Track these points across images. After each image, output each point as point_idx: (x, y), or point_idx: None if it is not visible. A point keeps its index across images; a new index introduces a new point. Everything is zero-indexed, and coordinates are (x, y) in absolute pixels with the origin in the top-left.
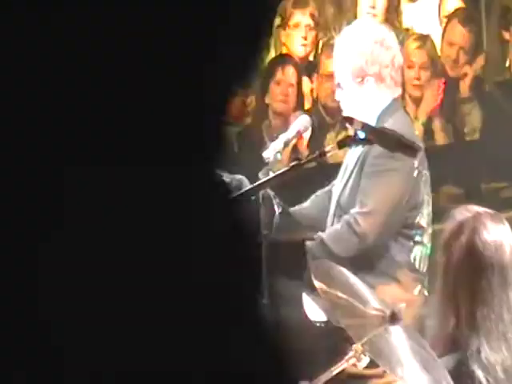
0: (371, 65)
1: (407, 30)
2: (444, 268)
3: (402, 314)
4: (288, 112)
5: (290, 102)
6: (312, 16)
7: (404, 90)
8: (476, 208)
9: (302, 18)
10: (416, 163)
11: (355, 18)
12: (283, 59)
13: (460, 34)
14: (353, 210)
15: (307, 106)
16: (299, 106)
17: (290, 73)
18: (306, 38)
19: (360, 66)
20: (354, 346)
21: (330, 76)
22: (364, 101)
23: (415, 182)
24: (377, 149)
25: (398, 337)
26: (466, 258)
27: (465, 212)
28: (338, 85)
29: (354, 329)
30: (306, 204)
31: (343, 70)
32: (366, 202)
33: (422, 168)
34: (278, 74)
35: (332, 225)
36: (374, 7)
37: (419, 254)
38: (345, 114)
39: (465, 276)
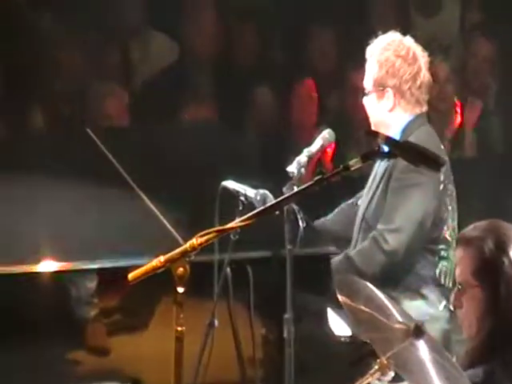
0: (391, 77)
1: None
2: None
3: (426, 327)
4: (310, 125)
5: (312, 115)
6: None
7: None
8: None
9: None
10: (442, 177)
11: None
12: (303, 72)
13: (484, 45)
14: (380, 227)
15: (331, 119)
16: (322, 119)
17: (310, 86)
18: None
19: (381, 76)
20: (379, 359)
21: (355, 89)
22: (382, 111)
23: (441, 196)
24: (403, 163)
25: (422, 350)
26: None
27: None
28: (366, 91)
29: (378, 343)
30: (330, 217)
31: (368, 78)
32: (393, 217)
33: (448, 182)
34: (298, 87)
35: (357, 238)
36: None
37: (444, 268)
38: (371, 120)
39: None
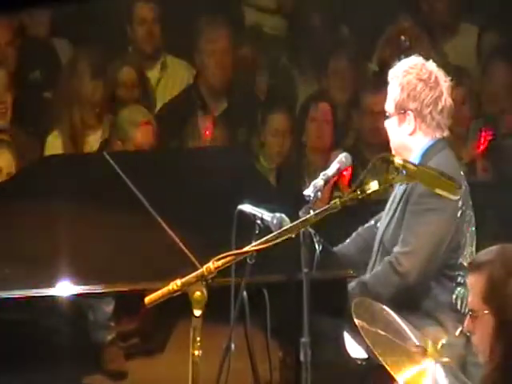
0: (412, 100)
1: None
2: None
3: (442, 351)
4: (325, 149)
5: (327, 138)
6: None
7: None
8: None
9: None
10: (460, 203)
11: None
12: (318, 96)
13: (501, 69)
14: (395, 249)
15: (349, 142)
16: (337, 142)
17: (325, 109)
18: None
19: (402, 99)
20: (396, 382)
21: (372, 112)
22: (402, 134)
23: (459, 222)
24: (421, 187)
25: (438, 374)
26: None
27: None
28: (387, 114)
29: (394, 365)
30: (347, 243)
31: (390, 101)
32: (409, 240)
33: (466, 208)
34: (313, 111)
35: (375, 261)
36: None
37: (461, 295)
38: (391, 144)
39: None
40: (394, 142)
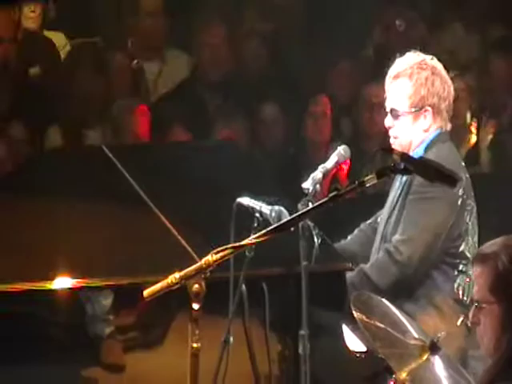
0: (431, 96)
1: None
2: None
3: (442, 343)
4: (324, 142)
5: (325, 132)
6: None
7: None
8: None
9: None
10: (461, 192)
11: None
12: (314, 90)
13: (502, 64)
14: (394, 238)
15: (346, 135)
16: (335, 135)
17: (323, 103)
18: None
19: (420, 96)
20: (395, 375)
21: (371, 105)
22: (416, 131)
23: (459, 210)
24: (420, 178)
25: (438, 366)
26: None
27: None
28: (392, 112)
29: (393, 359)
30: (349, 238)
31: (402, 100)
32: (408, 229)
33: (468, 197)
34: (312, 106)
35: (376, 254)
36: None
37: (463, 283)
38: (400, 141)
39: None
40: (403, 140)
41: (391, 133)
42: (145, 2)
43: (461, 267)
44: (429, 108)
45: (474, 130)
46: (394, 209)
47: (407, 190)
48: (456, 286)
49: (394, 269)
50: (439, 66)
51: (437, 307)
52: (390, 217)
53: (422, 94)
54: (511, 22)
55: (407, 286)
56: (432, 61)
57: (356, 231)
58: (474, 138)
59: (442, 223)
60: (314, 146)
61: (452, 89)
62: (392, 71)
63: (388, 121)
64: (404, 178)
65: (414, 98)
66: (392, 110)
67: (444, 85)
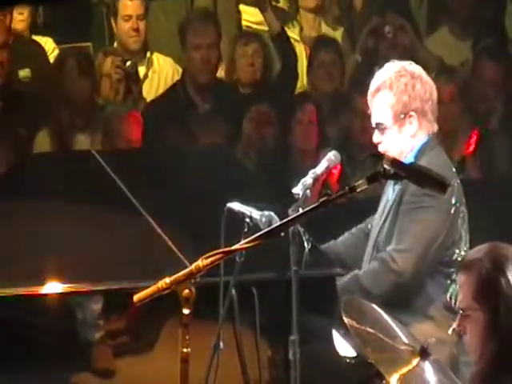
0: (413, 100)
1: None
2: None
3: (433, 350)
4: (311, 149)
5: (312, 138)
6: None
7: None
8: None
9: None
10: (454, 200)
11: None
12: (303, 97)
13: (490, 68)
14: (389, 248)
15: (336, 141)
16: (322, 142)
17: (309, 110)
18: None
19: (403, 103)
20: (385, 381)
21: (359, 112)
22: (404, 139)
23: (452, 219)
24: (414, 186)
25: (428, 372)
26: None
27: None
28: (377, 126)
29: (384, 364)
30: (338, 241)
31: (384, 112)
32: (403, 238)
33: (460, 205)
34: (299, 113)
35: (369, 261)
36: None
37: (455, 292)
38: (391, 153)
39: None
40: (393, 152)
41: (380, 148)
42: (125, 6)
43: (454, 276)
44: (413, 113)
45: (474, 138)
46: (386, 217)
47: (400, 200)
48: (449, 294)
49: (389, 278)
50: (418, 70)
51: (429, 315)
52: (382, 226)
53: (404, 101)
54: (500, 26)
55: (400, 295)
56: (410, 66)
57: (346, 234)
58: (472, 147)
59: (437, 232)
60: (303, 153)
61: (434, 89)
62: (372, 86)
63: (376, 137)
64: (397, 186)
65: (397, 107)
66: (378, 125)
67: (425, 86)
